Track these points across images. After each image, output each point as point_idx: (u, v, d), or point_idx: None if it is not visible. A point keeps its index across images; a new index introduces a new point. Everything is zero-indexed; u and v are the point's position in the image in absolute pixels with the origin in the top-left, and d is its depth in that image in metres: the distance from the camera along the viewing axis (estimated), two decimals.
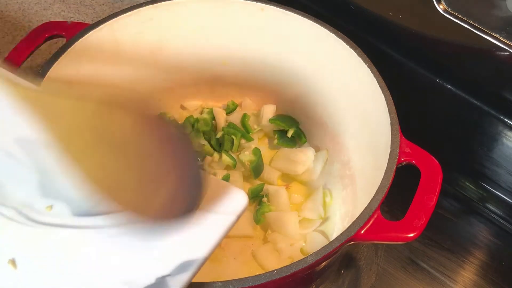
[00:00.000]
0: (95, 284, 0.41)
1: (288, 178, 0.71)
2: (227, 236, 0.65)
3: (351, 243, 0.51)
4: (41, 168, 0.45)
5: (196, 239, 0.42)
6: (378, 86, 0.58)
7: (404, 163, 0.55)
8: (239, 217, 0.43)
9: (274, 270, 0.46)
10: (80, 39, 0.61)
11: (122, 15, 0.63)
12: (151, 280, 0.40)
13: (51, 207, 0.44)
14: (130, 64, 0.68)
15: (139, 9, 0.64)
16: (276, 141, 0.73)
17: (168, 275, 0.40)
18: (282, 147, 0.73)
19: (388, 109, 0.57)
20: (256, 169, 0.69)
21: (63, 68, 0.60)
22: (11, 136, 0.46)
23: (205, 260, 0.41)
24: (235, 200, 0.43)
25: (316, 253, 0.47)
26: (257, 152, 0.70)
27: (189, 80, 0.74)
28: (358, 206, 0.61)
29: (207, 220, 0.42)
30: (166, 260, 0.41)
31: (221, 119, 0.74)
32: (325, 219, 0.67)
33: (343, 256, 0.67)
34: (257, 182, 0.70)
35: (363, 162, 0.65)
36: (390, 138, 0.55)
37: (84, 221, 0.43)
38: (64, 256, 0.42)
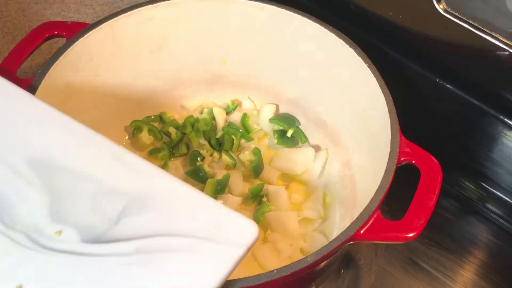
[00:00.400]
0: None
1: (288, 178, 0.71)
2: None
3: (351, 242, 0.51)
4: (52, 191, 0.45)
5: (204, 271, 0.41)
6: (378, 86, 0.58)
7: (404, 163, 0.55)
8: (249, 249, 0.42)
9: (274, 270, 0.46)
10: (80, 39, 0.61)
11: (122, 15, 0.63)
12: None
13: (60, 232, 0.43)
14: (130, 64, 0.68)
15: (139, 9, 0.64)
16: (276, 141, 0.73)
17: None
18: (282, 147, 0.73)
19: (388, 109, 0.57)
20: (256, 169, 0.69)
21: (63, 68, 0.60)
22: (24, 157, 0.46)
23: None
24: (245, 231, 0.42)
25: (316, 253, 0.47)
26: (257, 152, 0.70)
27: (189, 80, 0.74)
28: (357, 206, 0.61)
29: (216, 252, 0.41)
30: None
31: (221, 119, 0.74)
32: (325, 219, 0.67)
33: (343, 255, 0.67)
34: (257, 182, 0.70)
35: (363, 162, 0.65)
36: (390, 138, 0.55)
37: (93, 248, 0.42)
38: (71, 284, 0.41)
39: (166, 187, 0.45)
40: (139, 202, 0.44)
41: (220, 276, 0.40)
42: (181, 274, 0.41)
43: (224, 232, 0.42)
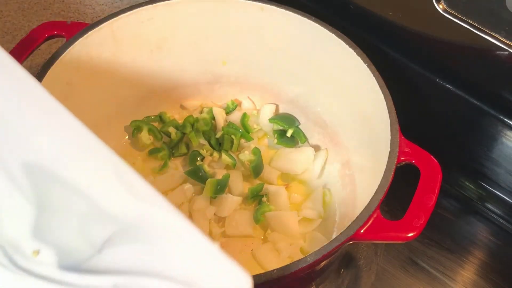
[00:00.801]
0: None
1: (287, 178, 0.71)
2: (226, 235, 0.65)
3: (351, 242, 0.51)
4: (41, 202, 0.41)
5: None
6: (378, 85, 0.58)
7: (403, 162, 0.55)
8: None
9: (274, 270, 0.46)
10: (80, 39, 0.61)
11: (122, 15, 0.63)
12: None
13: (38, 252, 0.39)
14: (130, 63, 0.68)
15: (138, 9, 0.64)
16: (275, 140, 0.73)
17: None
18: (282, 147, 0.73)
19: (388, 109, 0.57)
20: (256, 169, 0.69)
21: (62, 68, 0.60)
22: (21, 159, 0.42)
23: None
24: (237, 283, 0.38)
25: (316, 252, 0.47)
26: (256, 151, 0.70)
27: (189, 80, 0.74)
28: (357, 206, 0.61)
29: None
30: None
31: (221, 118, 0.74)
32: (324, 219, 0.67)
33: (342, 255, 0.67)
34: (257, 181, 0.70)
35: (362, 161, 0.65)
36: (390, 137, 0.55)
37: (68, 277, 0.38)
38: None
39: (162, 219, 0.41)
40: (128, 231, 0.40)
41: None
42: None
43: (212, 281, 0.38)
